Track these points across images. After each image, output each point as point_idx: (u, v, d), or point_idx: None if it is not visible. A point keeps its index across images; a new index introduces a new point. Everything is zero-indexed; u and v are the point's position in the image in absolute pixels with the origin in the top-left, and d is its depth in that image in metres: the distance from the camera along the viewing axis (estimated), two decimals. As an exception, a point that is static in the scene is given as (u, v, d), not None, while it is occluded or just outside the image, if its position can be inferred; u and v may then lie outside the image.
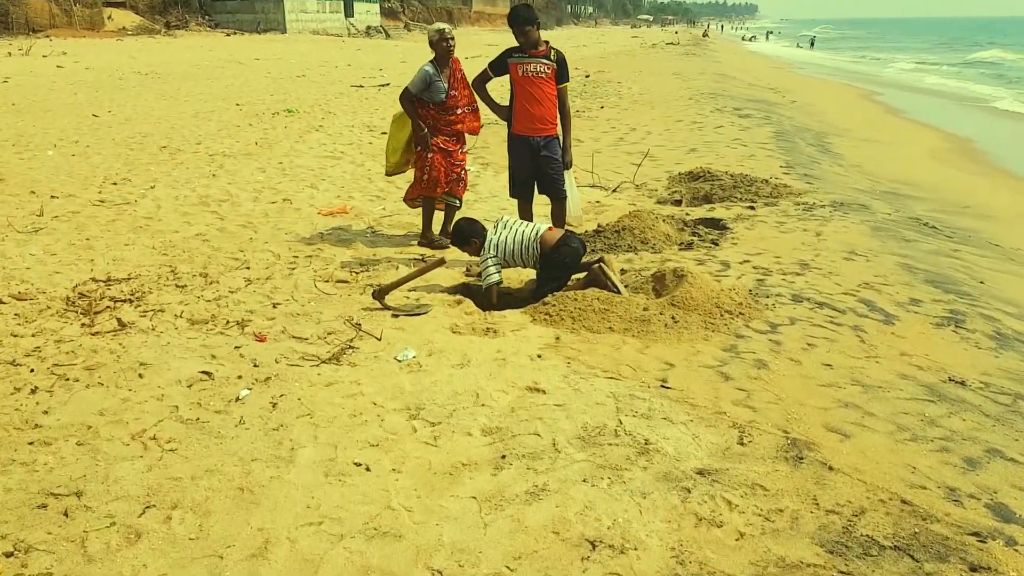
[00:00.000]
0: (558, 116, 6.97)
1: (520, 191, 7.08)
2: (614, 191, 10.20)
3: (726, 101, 21.20)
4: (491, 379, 4.74)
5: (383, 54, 37.19)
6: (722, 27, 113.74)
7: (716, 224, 8.47)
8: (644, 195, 10.08)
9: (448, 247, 7.51)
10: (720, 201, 9.54)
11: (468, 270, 6.91)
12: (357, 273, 6.85)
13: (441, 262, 5.95)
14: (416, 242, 7.75)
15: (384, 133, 14.50)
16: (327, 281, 6.61)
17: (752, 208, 9.11)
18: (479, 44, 44.20)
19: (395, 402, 4.48)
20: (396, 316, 5.79)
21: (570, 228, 7.43)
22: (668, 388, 4.55)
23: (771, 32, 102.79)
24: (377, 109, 17.90)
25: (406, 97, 7.14)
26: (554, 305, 5.74)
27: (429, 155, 7.28)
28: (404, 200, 7.77)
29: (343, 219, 8.63)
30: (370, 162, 11.93)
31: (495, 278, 6.05)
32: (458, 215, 7.48)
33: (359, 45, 44.69)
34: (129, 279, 6.53)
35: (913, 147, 16.84)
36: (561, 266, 6.05)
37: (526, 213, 7.18)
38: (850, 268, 6.87)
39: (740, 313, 5.70)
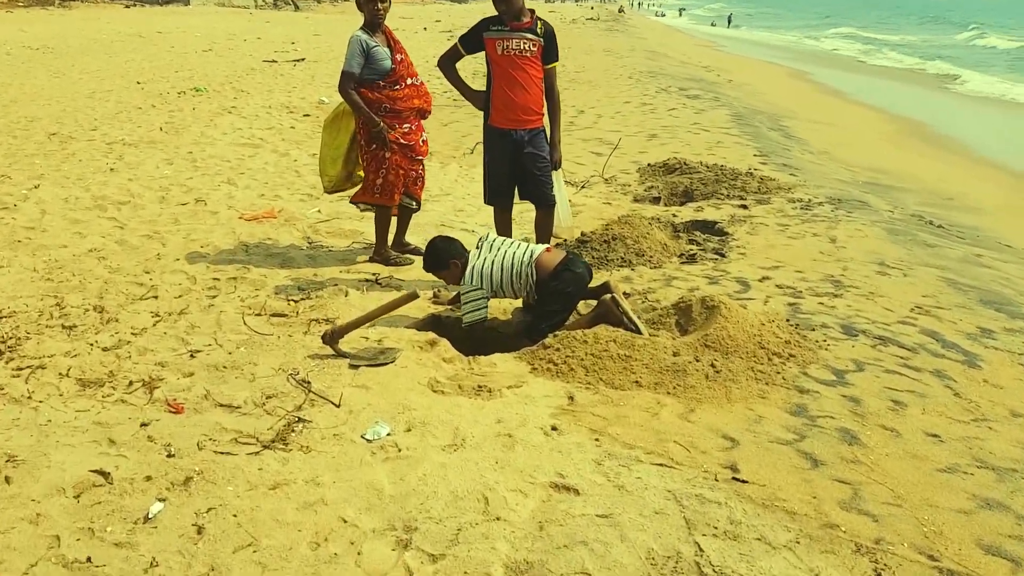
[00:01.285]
0: (545, 104, 5.68)
1: (498, 197, 5.80)
2: (583, 187, 8.97)
3: (667, 80, 20.25)
4: (500, 470, 3.51)
5: (294, 26, 35.10)
6: (639, 3, 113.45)
7: (712, 228, 7.35)
8: (617, 191, 8.91)
9: (408, 264, 6.19)
10: (704, 198, 8.44)
11: (436, 295, 5.60)
12: (296, 302, 5.49)
13: (413, 296, 4.63)
14: (367, 257, 6.37)
15: (307, 116, 12.97)
16: (259, 314, 5.24)
17: (745, 207, 8.03)
18: (389, 17, 42.50)
19: (373, 516, 3.21)
20: (355, 367, 4.48)
21: (556, 239, 6.17)
22: (744, 482, 3.35)
23: (683, 9, 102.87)
24: (295, 87, 16.29)
25: (348, 86, 5.74)
26: (558, 350, 4.50)
27: (386, 155, 5.91)
28: (350, 201, 6.37)
29: (270, 225, 7.21)
30: (295, 150, 10.46)
31: (481, 314, 4.77)
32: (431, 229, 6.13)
33: (268, 17, 42.31)
34: (0, 318, 5.03)
35: (866, 131, 16.19)
36: (563, 297, 4.82)
37: (504, 224, 5.91)
38: (890, 286, 5.82)
39: (790, 355, 4.57)
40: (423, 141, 6.23)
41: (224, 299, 5.55)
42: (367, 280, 5.93)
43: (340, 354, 4.65)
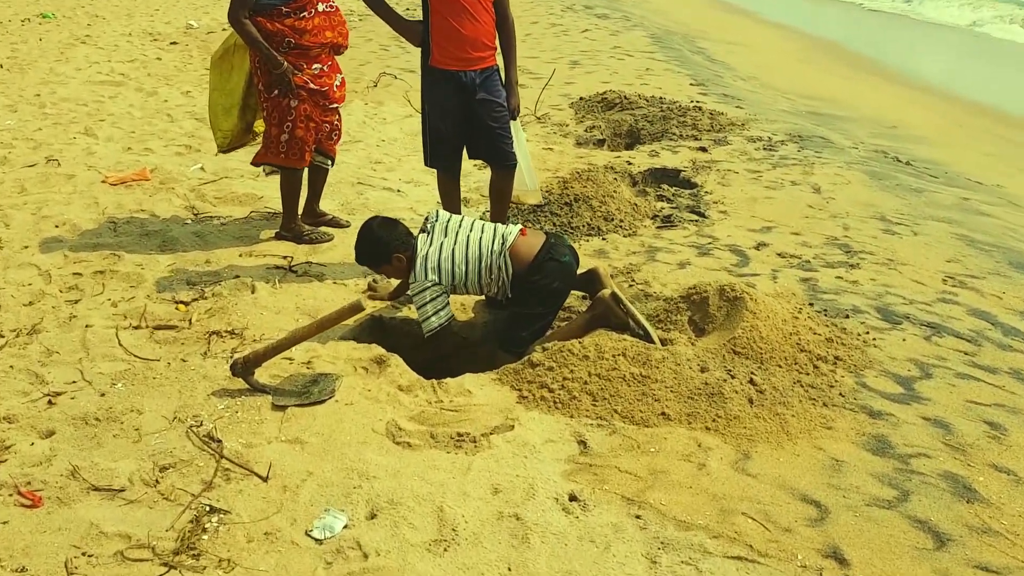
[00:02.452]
0: (497, 37, 4.47)
1: (443, 158, 4.61)
2: (516, 128, 7.74)
3: (568, -2, 18.93)
4: (517, 583, 2.42)
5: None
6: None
7: (677, 179, 6.35)
8: (554, 133, 7.78)
9: (327, 240, 4.95)
10: (654, 139, 7.42)
11: (372, 287, 4.41)
12: (187, 304, 4.21)
13: (356, 309, 3.43)
14: (273, 233, 5.08)
15: (174, 44, 11.22)
16: (139, 327, 3.96)
17: (704, 150, 7.06)
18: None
19: None
20: (281, 408, 3.30)
21: (517, 206, 5.02)
22: (861, 582, 2.39)
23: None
24: (158, 9, 14.34)
25: (239, 13, 4.39)
26: (552, 369, 3.42)
27: (292, 104, 4.60)
28: (252, 163, 5.04)
29: (143, 190, 5.80)
30: (165, 88, 8.87)
31: (445, 318, 3.66)
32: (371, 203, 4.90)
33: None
34: None
35: (782, 53, 15.40)
36: (547, 296, 3.72)
37: (451, 193, 4.75)
38: (907, 250, 4.99)
39: (837, 358, 3.65)
40: (338, 84, 4.93)
41: (90, 305, 4.22)
42: (278, 267, 4.67)
43: (257, 389, 3.45)
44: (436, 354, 3.99)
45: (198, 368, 3.64)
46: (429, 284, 3.72)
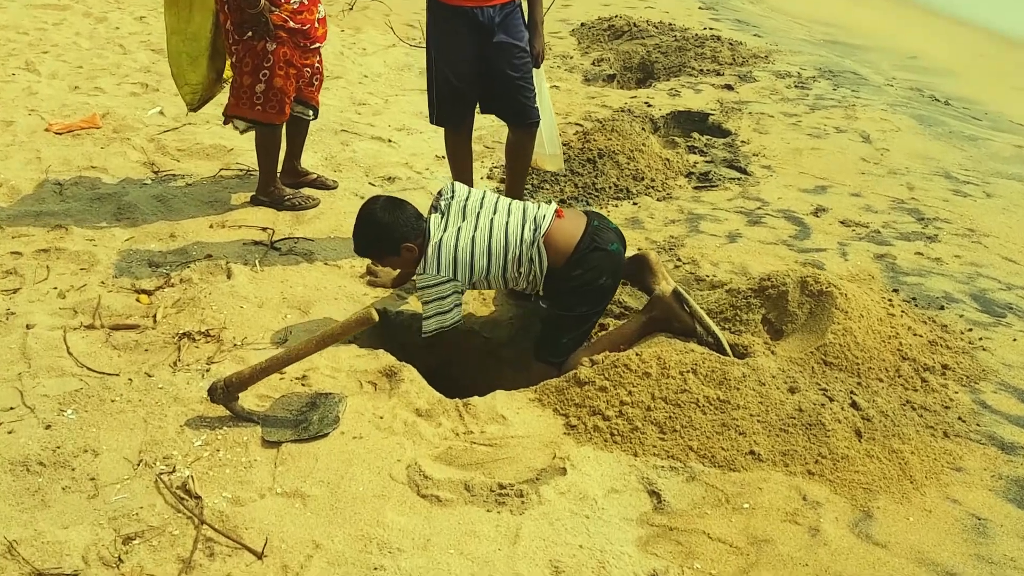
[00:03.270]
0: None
1: (453, 114, 3.85)
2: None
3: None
4: None
5: None
6: None
7: (706, 124, 5.61)
8: (559, 67, 6.98)
9: (312, 205, 4.25)
10: (671, 74, 6.67)
11: (371, 270, 3.71)
12: (149, 294, 3.50)
13: (366, 322, 2.73)
14: (248, 196, 4.34)
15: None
16: (92, 327, 3.26)
17: (730, 88, 6.32)
18: None
19: None
20: (273, 444, 2.63)
21: (536, 169, 4.31)
22: None
23: None
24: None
25: None
26: (604, 390, 2.81)
27: (269, 47, 3.82)
28: (224, 117, 4.25)
29: (92, 140, 5.01)
30: (116, 12, 7.93)
31: (450, 320, 3.12)
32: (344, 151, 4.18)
33: None
34: None
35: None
36: (593, 294, 3.03)
37: (462, 155, 3.99)
38: (985, 216, 4.45)
39: (945, 367, 3.05)
40: (319, 20, 4.14)
41: (31, 296, 3.50)
42: (256, 243, 3.95)
43: (242, 418, 2.77)
44: (449, 359, 3.32)
45: (167, 386, 2.95)
46: (441, 280, 3.03)
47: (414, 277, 3.16)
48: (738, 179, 4.77)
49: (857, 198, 4.57)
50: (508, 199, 3.25)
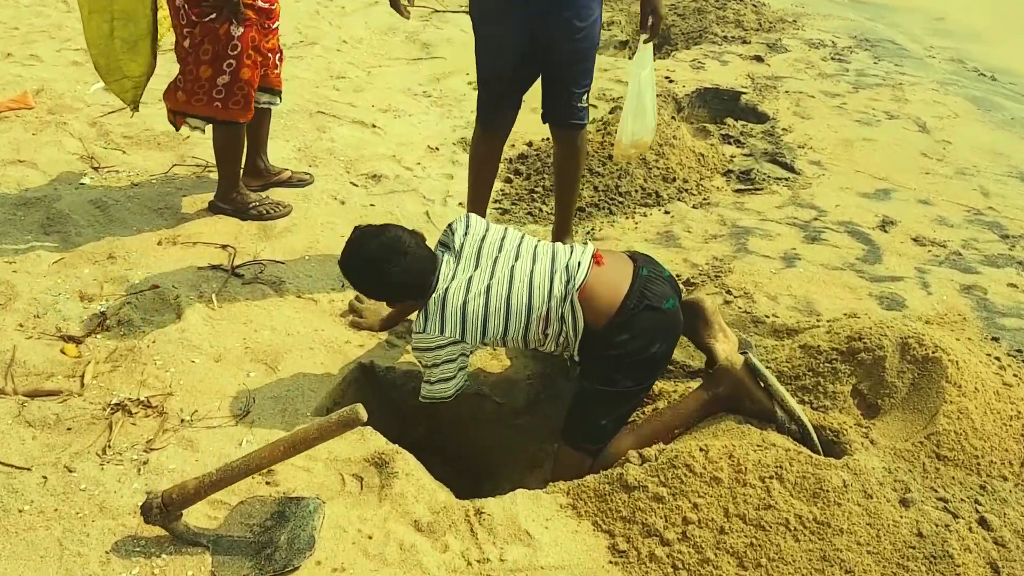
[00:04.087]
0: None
1: (494, 106, 3.15)
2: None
3: None
4: None
5: None
6: None
7: (737, 103, 4.90)
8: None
9: (283, 213, 3.57)
10: (690, 40, 5.97)
11: (353, 309, 3.01)
12: (78, 343, 2.83)
13: (352, 422, 2.02)
14: (207, 202, 3.63)
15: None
16: (1, 392, 2.55)
17: (760, 60, 5.58)
18: None
19: None
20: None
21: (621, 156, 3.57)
22: None
23: None
24: None
25: None
26: (660, 500, 2.18)
27: (234, 32, 3.09)
28: (172, 119, 3.50)
29: (23, 124, 4.26)
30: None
31: (453, 387, 2.49)
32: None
33: None
34: None
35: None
36: (641, 365, 2.35)
37: (485, 163, 3.29)
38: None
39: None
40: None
41: (-76, 348, 2.77)
42: (214, 268, 3.24)
43: (187, 541, 2.09)
44: (448, 427, 2.66)
45: (92, 487, 2.28)
46: (445, 341, 2.34)
47: (412, 337, 2.47)
48: (785, 179, 4.09)
49: (926, 206, 3.90)
50: (534, 241, 2.56)
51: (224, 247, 3.44)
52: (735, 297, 3.17)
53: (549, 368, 2.83)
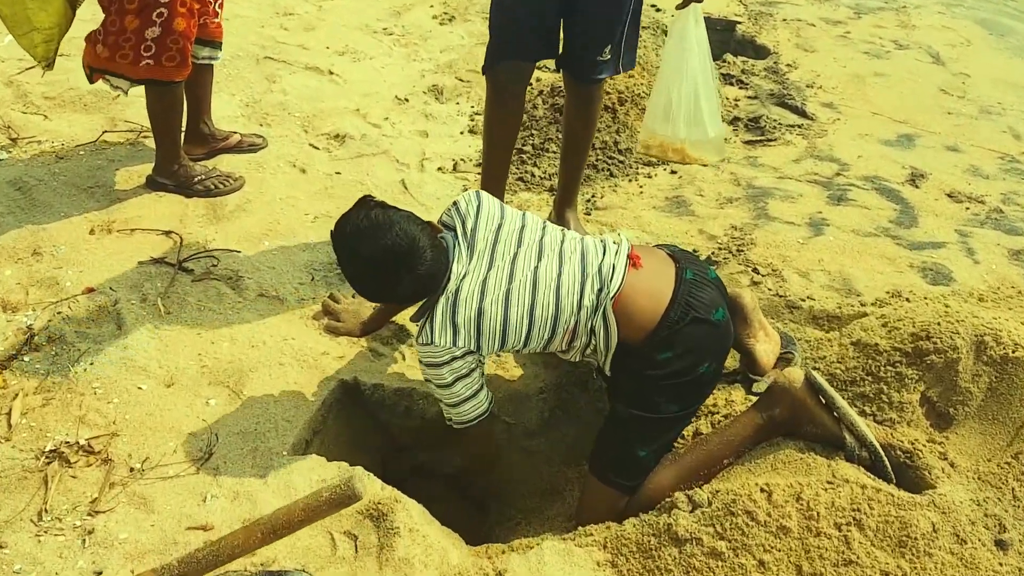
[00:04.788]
0: None
1: (512, 53, 2.70)
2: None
3: None
4: None
5: None
6: None
7: (733, 35, 4.45)
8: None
9: (234, 187, 3.11)
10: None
11: (329, 307, 2.57)
12: (2, 368, 2.35)
13: (349, 498, 1.60)
14: (144, 179, 3.12)
15: None
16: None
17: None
18: None
19: None
20: None
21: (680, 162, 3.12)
22: None
23: None
24: None
25: None
26: (718, 556, 1.82)
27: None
28: (90, 76, 2.94)
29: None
30: None
31: (482, 403, 2.10)
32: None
33: None
34: None
35: None
36: (687, 387, 1.97)
37: (505, 121, 2.78)
38: None
39: None
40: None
41: None
42: (157, 261, 2.77)
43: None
44: (470, 461, 2.27)
45: (27, 569, 1.87)
46: (459, 352, 1.93)
47: (418, 350, 2.05)
48: (798, 126, 3.68)
49: (956, 154, 3.54)
50: (559, 232, 2.13)
51: (168, 234, 2.96)
52: (763, 276, 2.79)
53: (565, 379, 2.44)
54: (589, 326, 2.01)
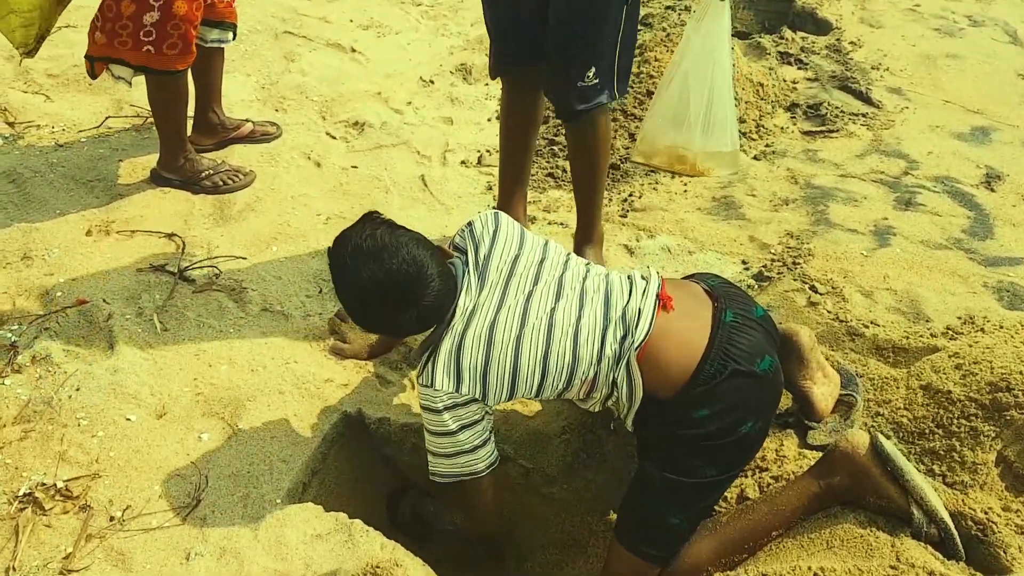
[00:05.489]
0: None
1: (501, 54, 2.46)
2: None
3: None
4: None
5: None
6: None
7: (791, 6, 4.08)
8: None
9: (245, 183, 2.86)
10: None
11: (335, 327, 2.35)
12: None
13: None
14: (148, 171, 2.93)
15: None
16: None
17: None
18: None
19: None
20: None
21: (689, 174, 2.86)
22: None
23: None
24: None
25: None
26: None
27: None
28: (87, 59, 2.73)
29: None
30: None
31: (483, 459, 1.84)
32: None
33: None
34: None
35: None
36: (728, 449, 1.71)
37: (518, 123, 2.51)
38: None
39: None
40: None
41: None
42: (156, 268, 2.58)
43: None
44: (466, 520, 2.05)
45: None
46: (463, 399, 1.69)
47: (419, 391, 1.82)
48: (863, 115, 3.36)
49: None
50: (581, 264, 1.87)
51: (170, 236, 2.75)
52: (822, 296, 2.51)
53: (590, 418, 2.19)
54: (611, 378, 1.76)
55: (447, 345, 1.75)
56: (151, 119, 3.26)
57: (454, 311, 1.78)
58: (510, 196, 2.61)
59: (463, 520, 2.07)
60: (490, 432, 1.84)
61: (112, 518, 1.94)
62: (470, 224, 1.92)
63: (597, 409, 1.91)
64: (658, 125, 2.44)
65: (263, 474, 2.05)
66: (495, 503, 1.93)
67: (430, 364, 1.76)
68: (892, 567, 1.70)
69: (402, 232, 1.78)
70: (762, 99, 3.41)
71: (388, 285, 1.70)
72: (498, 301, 1.77)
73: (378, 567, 1.82)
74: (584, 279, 1.83)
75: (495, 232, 1.87)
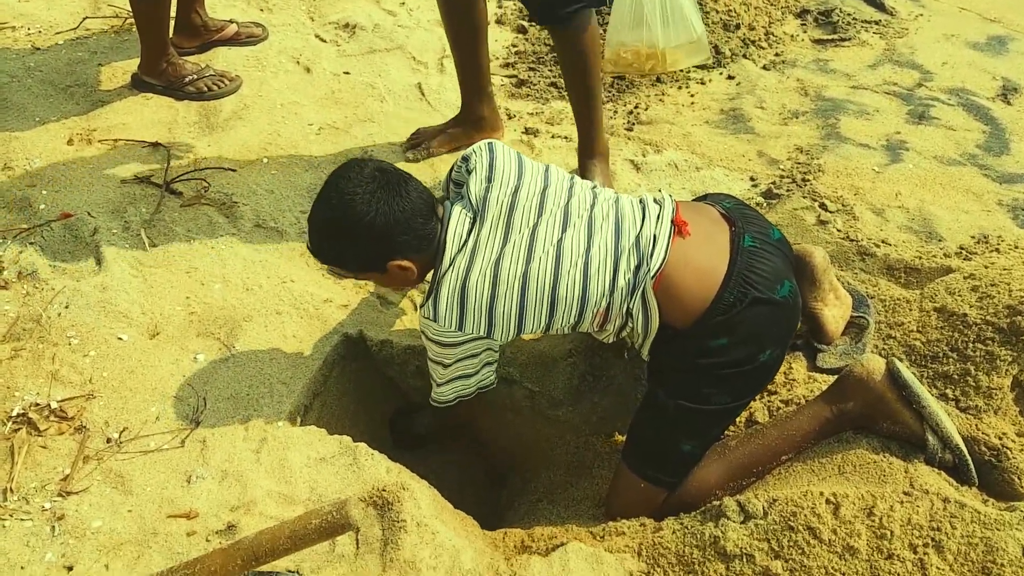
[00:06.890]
0: None
1: None
2: None
3: None
4: None
5: None
6: None
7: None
8: None
9: (231, 89, 2.77)
10: None
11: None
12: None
13: (339, 527, 1.38)
14: (129, 75, 2.83)
15: None
16: None
17: None
18: None
19: None
20: None
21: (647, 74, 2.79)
22: None
23: None
24: None
25: None
26: (771, 574, 1.54)
27: None
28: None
29: None
30: None
31: (471, 385, 1.89)
32: None
33: None
34: None
35: None
36: (744, 377, 1.68)
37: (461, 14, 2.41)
38: None
39: None
40: None
41: None
42: (140, 179, 2.52)
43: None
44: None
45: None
46: (465, 337, 1.66)
47: (419, 319, 1.78)
48: (876, 22, 3.25)
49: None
50: (588, 189, 1.81)
51: (155, 145, 2.65)
52: (832, 213, 2.46)
53: (597, 341, 2.16)
54: (624, 308, 1.72)
55: (447, 288, 1.70)
56: (131, 20, 3.12)
57: (445, 240, 1.72)
58: (469, 92, 2.52)
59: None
60: (484, 367, 1.82)
61: (109, 440, 1.91)
62: (465, 157, 1.86)
63: (611, 340, 1.87)
64: (618, 30, 2.37)
65: (263, 396, 2.02)
66: (470, 414, 1.94)
67: (431, 302, 1.72)
68: (906, 493, 1.70)
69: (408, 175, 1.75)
70: (771, 4, 3.29)
71: (353, 212, 1.67)
72: (502, 237, 1.72)
73: (385, 491, 1.81)
74: (592, 206, 1.77)
75: (491, 163, 1.80)
